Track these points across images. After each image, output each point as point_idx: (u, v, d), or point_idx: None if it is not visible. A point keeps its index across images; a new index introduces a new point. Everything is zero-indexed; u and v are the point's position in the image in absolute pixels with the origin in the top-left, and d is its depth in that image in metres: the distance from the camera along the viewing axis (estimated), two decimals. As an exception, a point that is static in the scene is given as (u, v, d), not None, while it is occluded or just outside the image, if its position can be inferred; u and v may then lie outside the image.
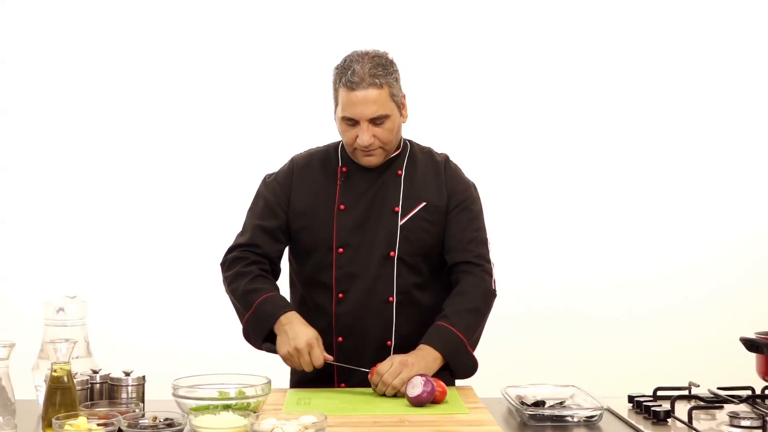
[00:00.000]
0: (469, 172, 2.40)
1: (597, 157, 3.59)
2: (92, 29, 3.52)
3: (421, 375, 2.00)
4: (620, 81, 3.59)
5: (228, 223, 2.42)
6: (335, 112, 2.25)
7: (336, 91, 2.21)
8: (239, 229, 2.36)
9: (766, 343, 2.03)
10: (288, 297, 2.39)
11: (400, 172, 2.30)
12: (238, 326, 2.27)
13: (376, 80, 2.15)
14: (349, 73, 2.15)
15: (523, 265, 3.48)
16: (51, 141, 3.53)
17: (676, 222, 3.58)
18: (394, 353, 2.20)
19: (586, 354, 3.48)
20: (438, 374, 2.12)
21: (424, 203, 2.28)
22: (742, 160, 3.60)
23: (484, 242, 2.32)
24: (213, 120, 3.54)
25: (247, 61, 3.54)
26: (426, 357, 2.12)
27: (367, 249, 2.24)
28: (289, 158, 2.40)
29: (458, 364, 2.18)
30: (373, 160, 2.25)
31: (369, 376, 2.09)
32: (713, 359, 3.07)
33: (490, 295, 2.28)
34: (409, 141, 2.38)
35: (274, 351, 2.19)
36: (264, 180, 2.38)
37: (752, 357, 2.09)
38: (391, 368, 2.05)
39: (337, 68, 2.22)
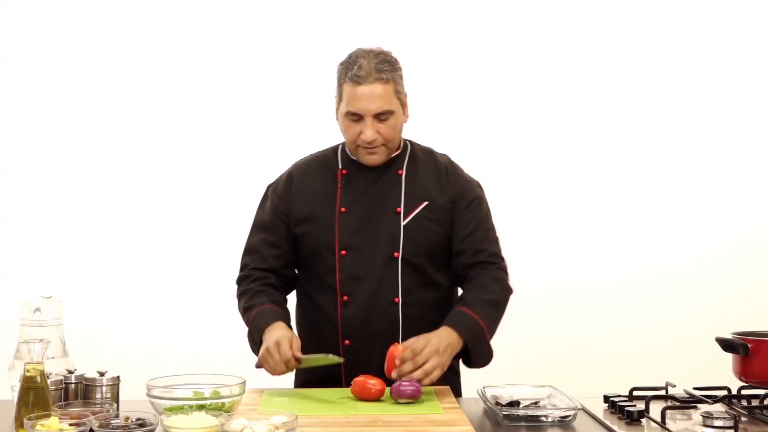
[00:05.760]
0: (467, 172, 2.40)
1: (582, 158, 3.59)
2: (92, 29, 3.53)
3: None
4: (618, 82, 3.59)
5: (208, 224, 2.43)
6: (338, 109, 2.24)
7: (341, 86, 2.20)
8: (218, 229, 2.37)
9: (741, 344, 2.04)
10: (295, 302, 2.41)
11: (400, 171, 2.29)
12: (218, 327, 2.27)
13: (383, 75, 2.15)
14: (356, 67, 2.15)
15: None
16: (35, 141, 3.53)
17: (657, 224, 3.58)
18: None
19: (568, 355, 3.48)
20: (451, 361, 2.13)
21: (426, 202, 2.27)
22: (726, 167, 3.60)
23: (496, 241, 2.32)
24: (199, 121, 3.54)
25: (249, 64, 3.54)
26: (451, 339, 2.11)
27: (371, 250, 2.23)
28: (287, 164, 2.40)
29: (477, 352, 2.18)
30: (376, 158, 2.24)
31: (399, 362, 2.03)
32: (694, 360, 3.06)
33: (508, 291, 2.29)
34: (410, 141, 2.37)
35: None
36: (266, 192, 2.39)
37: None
38: (426, 353, 2.02)
39: (342, 64, 2.21)
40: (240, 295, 2.33)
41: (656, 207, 3.59)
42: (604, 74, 3.60)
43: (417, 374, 2.01)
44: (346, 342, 2.24)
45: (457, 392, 2.33)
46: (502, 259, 2.31)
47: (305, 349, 2.16)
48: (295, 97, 3.44)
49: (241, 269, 2.37)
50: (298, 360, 2.09)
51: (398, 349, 2.06)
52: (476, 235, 2.28)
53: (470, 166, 2.40)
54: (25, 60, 3.54)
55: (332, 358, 2.10)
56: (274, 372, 2.13)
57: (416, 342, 2.06)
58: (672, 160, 3.60)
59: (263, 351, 2.12)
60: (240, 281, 2.36)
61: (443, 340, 2.09)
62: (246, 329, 2.30)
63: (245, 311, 2.28)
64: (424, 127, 2.66)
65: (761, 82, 3.61)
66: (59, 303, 2.05)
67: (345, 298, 2.23)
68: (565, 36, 3.59)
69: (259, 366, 2.17)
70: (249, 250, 2.37)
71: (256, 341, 2.22)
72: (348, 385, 2.17)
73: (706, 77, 3.60)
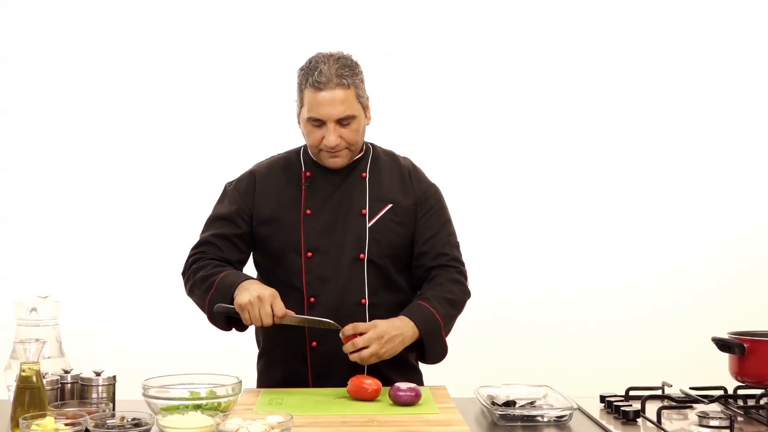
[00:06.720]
0: (435, 175, 2.41)
1: (568, 162, 3.57)
2: (91, 29, 3.52)
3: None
4: (600, 79, 3.58)
5: (201, 223, 2.42)
6: (299, 115, 2.24)
7: (301, 92, 2.20)
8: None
9: (737, 343, 2.04)
10: None
11: (364, 174, 2.30)
12: (214, 327, 2.25)
13: (344, 80, 2.15)
14: (316, 73, 2.15)
15: (501, 269, 3.49)
16: (33, 142, 3.53)
17: (654, 225, 3.58)
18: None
19: (565, 355, 3.49)
20: (406, 355, 2.16)
21: (391, 205, 2.28)
22: (722, 169, 3.60)
23: (456, 245, 2.35)
24: (200, 123, 3.55)
25: (233, 64, 3.55)
26: (404, 328, 2.13)
27: (337, 252, 2.23)
28: (250, 166, 2.38)
29: (432, 347, 2.19)
30: (339, 161, 2.24)
31: (342, 336, 2.09)
32: (690, 360, 3.06)
33: (466, 294, 2.32)
34: (372, 144, 2.38)
35: (231, 311, 2.10)
36: (224, 189, 2.37)
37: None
38: (366, 337, 2.06)
39: (302, 69, 2.21)
40: (192, 273, 2.22)
41: (654, 208, 3.59)
42: (587, 72, 3.58)
43: (353, 357, 2.07)
44: (314, 344, 2.23)
45: None
46: (462, 264, 2.34)
47: (271, 352, 2.23)
48: (272, 99, 3.42)
49: (188, 258, 2.28)
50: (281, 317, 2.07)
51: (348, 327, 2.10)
52: (438, 239, 2.30)
53: (456, 175, 2.42)
54: (25, 60, 3.53)
55: (328, 323, 2.09)
56: (253, 321, 2.06)
57: (363, 324, 2.10)
58: (668, 161, 3.59)
59: (252, 298, 2.04)
60: (189, 266, 2.25)
61: (393, 328, 2.11)
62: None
63: (205, 279, 2.17)
64: (394, 130, 2.66)
65: (756, 84, 3.61)
66: (55, 303, 2.04)
67: (312, 299, 2.22)
68: (547, 35, 3.57)
69: (221, 311, 2.10)
70: (202, 242, 2.28)
71: (225, 296, 2.11)
72: (315, 386, 2.20)
73: (700, 79, 3.59)
